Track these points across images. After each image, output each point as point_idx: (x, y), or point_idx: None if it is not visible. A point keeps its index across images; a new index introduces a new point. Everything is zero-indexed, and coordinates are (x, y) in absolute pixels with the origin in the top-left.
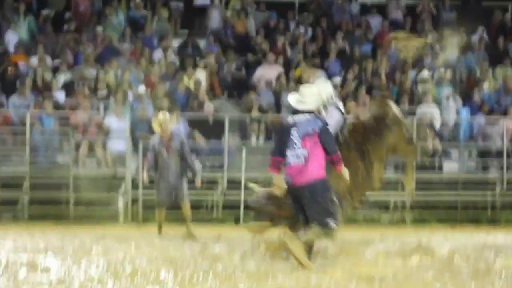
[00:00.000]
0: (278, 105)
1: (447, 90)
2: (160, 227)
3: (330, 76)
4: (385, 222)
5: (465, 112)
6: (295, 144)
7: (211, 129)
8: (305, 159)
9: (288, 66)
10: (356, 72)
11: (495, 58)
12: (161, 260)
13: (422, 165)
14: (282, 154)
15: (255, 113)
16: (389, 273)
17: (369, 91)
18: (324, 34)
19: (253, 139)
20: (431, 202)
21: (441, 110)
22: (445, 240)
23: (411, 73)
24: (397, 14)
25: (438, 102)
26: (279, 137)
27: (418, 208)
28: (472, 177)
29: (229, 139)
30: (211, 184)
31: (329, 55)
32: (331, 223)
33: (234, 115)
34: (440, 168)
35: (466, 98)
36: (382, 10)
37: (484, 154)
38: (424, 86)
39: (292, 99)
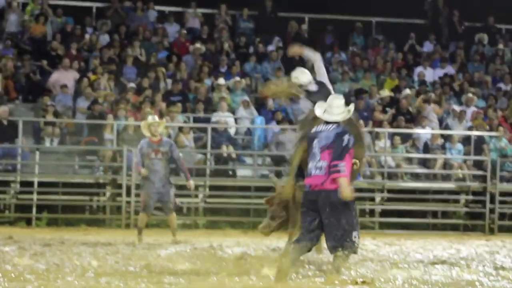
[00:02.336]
0: (73, 110)
1: (242, 98)
2: (140, 232)
3: (126, 82)
4: (178, 226)
5: (259, 120)
6: (316, 156)
7: (5, 132)
8: (325, 171)
9: (84, 71)
10: (152, 78)
11: (290, 68)
12: None
13: (216, 171)
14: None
15: (49, 117)
16: (180, 273)
17: (165, 98)
18: (121, 41)
19: (47, 142)
20: (224, 207)
21: (236, 118)
22: (237, 244)
23: (207, 81)
24: (194, 22)
25: (232, 110)
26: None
27: (211, 213)
28: (265, 183)
29: (22, 142)
30: (3, 186)
31: (126, 61)
32: (355, 238)
33: (28, 118)
34: (234, 174)
35: (261, 107)
36: (179, 18)
37: (277, 161)
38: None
39: (319, 109)
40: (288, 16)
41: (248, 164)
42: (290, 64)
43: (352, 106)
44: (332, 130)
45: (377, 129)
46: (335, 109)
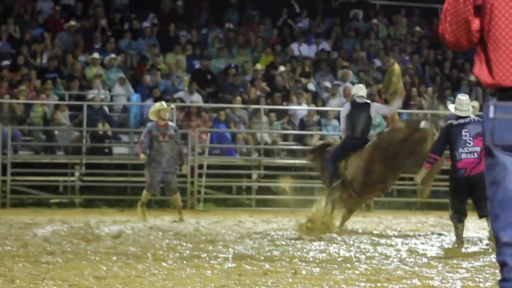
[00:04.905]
0: None
1: (117, 75)
2: (143, 206)
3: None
4: (54, 205)
5: (135, 97)
6: (467, 142)
7: None
8: (478, 155)
9: None
10: (27, 56)
11: (166, 45)
12: None
13: (92, 149)
14: (441, 154)
15: None
16: (57, 253)
17: (40, 75)
18: None
19: None
20: (101, 185)
21: (112, 95)
22: (114, 223)
23: (82, 58)
24: None
25: (108, 87)
26: (443, 139)
27: (88, 192)
28: (141, 161)
29: None
30: None
31: (0, 38)
32: None
33: None
34: (110, 152)
35: (137, 84)
36: None
37: None
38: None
39: (452, 107)
40: None
41: (124, 142)
42: (165, 40)
43: (475, 103)
44: (478, 121)
45: (253, 106)
46: (464, 106)
